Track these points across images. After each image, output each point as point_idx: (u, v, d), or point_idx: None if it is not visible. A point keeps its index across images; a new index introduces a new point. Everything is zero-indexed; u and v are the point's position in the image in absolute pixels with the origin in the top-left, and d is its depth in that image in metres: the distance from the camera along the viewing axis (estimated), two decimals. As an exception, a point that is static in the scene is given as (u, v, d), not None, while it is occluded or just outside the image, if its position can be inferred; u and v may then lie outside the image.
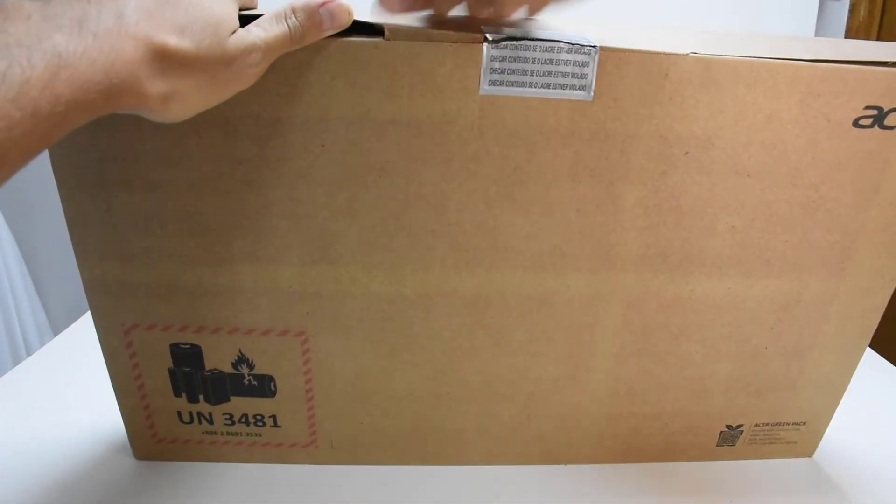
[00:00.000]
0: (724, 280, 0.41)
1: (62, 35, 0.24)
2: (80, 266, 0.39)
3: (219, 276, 0.39)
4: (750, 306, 0.42)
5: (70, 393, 0.54)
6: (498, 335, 0.42)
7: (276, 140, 0.35)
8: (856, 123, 0.36)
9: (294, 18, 0.31)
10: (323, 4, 0.31)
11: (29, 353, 0.70)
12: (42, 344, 0.66)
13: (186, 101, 0.29)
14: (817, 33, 1.26)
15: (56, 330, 1.42)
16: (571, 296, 0.40)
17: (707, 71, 0.34)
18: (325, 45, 0.33)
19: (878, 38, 1.31)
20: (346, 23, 0.32)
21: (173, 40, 0.27)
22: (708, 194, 0.38)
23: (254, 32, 0.30)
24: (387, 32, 0.33)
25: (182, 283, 0.39)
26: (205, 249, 0.38)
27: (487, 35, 0.33)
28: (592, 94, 0.34)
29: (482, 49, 0.33)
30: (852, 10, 1.28)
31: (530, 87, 0.34)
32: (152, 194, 0.36)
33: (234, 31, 0.29)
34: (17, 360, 1.24)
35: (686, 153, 0.36)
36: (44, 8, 0.25)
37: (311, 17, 0.31)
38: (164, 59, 0.27)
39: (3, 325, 1.23)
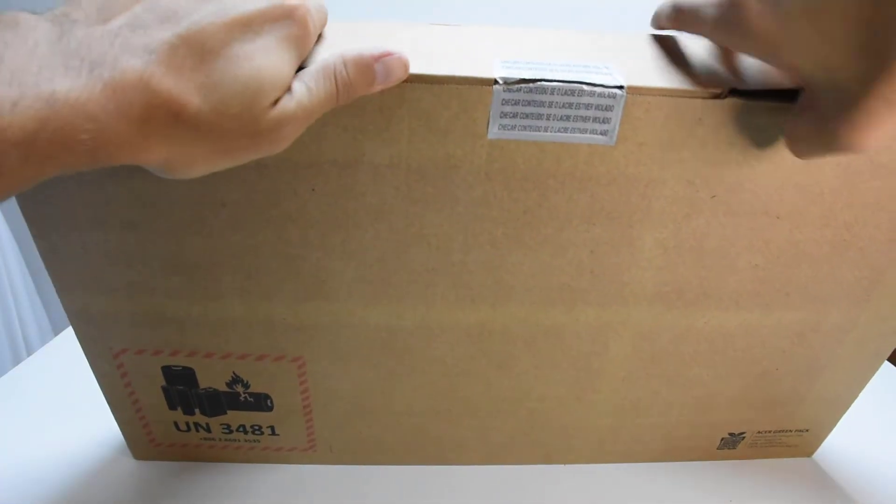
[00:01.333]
0: (740, 313, 0.39)
1: (67, 78, 0.20)
2: (60, 296, 0.36)
3: (208, 310, 0.37)
4: (764, 333, 0.40)
5: (70, 392, 0.53)
6: (501, 361, 0.40)
7: (263, 184, 0.32)
8: None
9: (345, 73, 0.26)
10: (380, 58, 0.27)
11: (29, 353, 0.69)
12: (42, 343, 0.64)
13: (192, 166, 0.25)
14: None
15: (56, 329, 1.40)
16: (580, 328, 0.39)
17: (746, 115, 0.30)
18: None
19: None
20: (401, 78, 0.28)
21: (195, 103, 0.22)
22: (732, 235, 0.35)
23: (297, 97, 0.25)
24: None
25: (169, 314, 0.37)
26: (191, 285, 0.36)
27: (498, 77, 0.29)
28: (615, 139, 0.30)
29: (492, 91, 0.29)
30: None
31: (545, 131, 0.30)
32: (130, 234, 0.33)
33: (277, 99, 0.25)
34: (17, 360, 1.24)
35: (713, 196, 0.33)
36: (58, 39, 0.20)
37: (365, 73, 0.26)
38: (179, 123, 0.22)
39: (4, 324, 1.22)
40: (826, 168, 0.32)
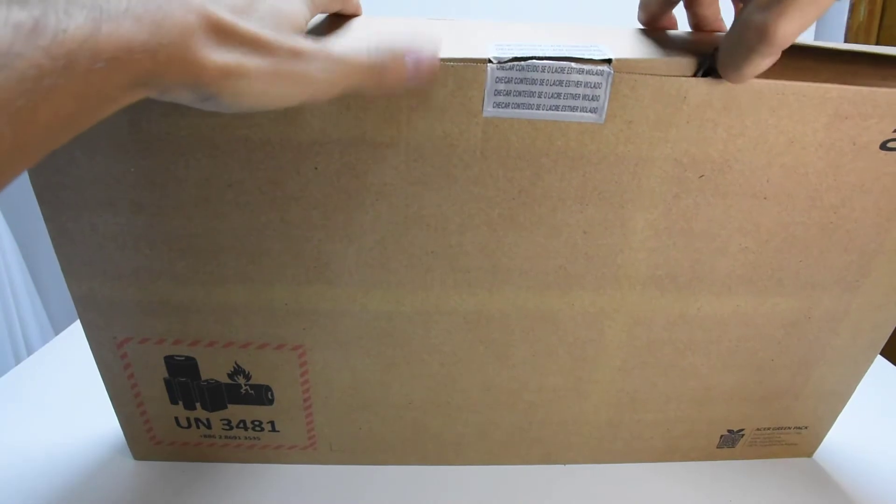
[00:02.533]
0: (733, 298, 0.39)
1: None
2: (67, 282, 0.37)
3: (211, 295, 0.38)
4: (758, 322, 0.41)
5: (71, 392, 0.54)
6: (499, 350, 0.41)
7: (267, 163, 0.33)
8: (883, 146, 0.34)
9: (378, 55, 0.27)
10: (412, 52, 0.28)
11: (30, 353, 0.70)
12: (43, 343, 0.65)
13: (252, 83, 0.25)
14: (817, 33, 1.24)
15: (57, 329, 1.42)
16: (575, 313, 0.39)
17: (729, 94, 0.32)
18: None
19: (879, 38, 1.28)
20: (429, 81, 0.29)
21: (229, 16, 0.23)
22: (722, 216, 0.36)
23: (327, 41, 0.27)
24: None
25: (174, 301, 0.38)
26: (196, 269, 0.37)
27: (491, 56, 0.30)
28: (604, 116, 0.32)
29: (486, 69, 0.30)
30: (852, 10, 1.27)
31: (537, 108, 0.31)
32: (138, 216, 0.34)
33: (300, 31, 0.26)
34: (18, 360, 1.24)
35: (701, 176, 0.34)
36: None
37: (395, 59, 0.28)
38: (221, 32, 0.23)
39: (5, 324, 1.22)
40: (810, 148, 0.34)
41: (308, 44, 0.26)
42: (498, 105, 0.31)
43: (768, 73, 0.31)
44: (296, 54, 0.25)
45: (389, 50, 0.28)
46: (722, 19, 0.37)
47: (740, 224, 0.36)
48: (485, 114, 0.32)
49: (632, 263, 0.37)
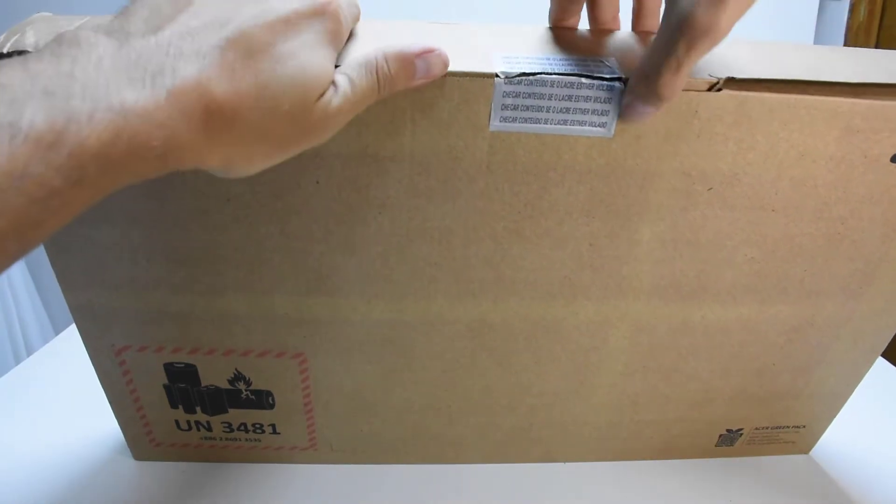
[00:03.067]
0: (737, 307, 0.39)
1: (133, 89, 0.20)
2: (63, 292, 0.37)
3: (211, 304, 0.37)
4: (761, 329, 0.41)
5: (71, 392, 0.53)
6: (501, 357, 0.41)
7: (267, 176, 0.32)
8: (894, 159, 0.33)
9: (386, 68, 0.27)
10: (420, 55, 0.27)
11: (30, 353, 0.69)
12: (43, 343, 0.65)
13: (251, 163, 0.25)
14: (817, 33, 1.23)
15: (57, 329, 1.40)
16: (579, 322, 0.39)
17: (741, 108, 0.31)
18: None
19: (878, 39, 1.27)
20: (440, 74, 0.29)
21: (248, 103, 0.23)
22: (729, 228, 0.35)
23: (341, 90, 0.26)
24: None
25: (172, 310, 0.37)
26: (195, 280, 0.36)
27: (499, 71, 0.29)
28: (613, 131, 0.31)
29: (493, 84, 0.30)
30: (852, 10, 1.25)
31: (546, 123, 0.31)
32: (134, 227, 0.34)
33: (322, 93, 0.25)
34: (18, 360, 1.24)
35: (710, 189, 0.34)
36: (118, 52, 0.21)
37: (406, 68, 0.27)
38: (236, 122, 0.23)
39: (5, 324, 1.22)
40: (820, 162, 0.33)
41: (321, 111, 0.25)
42: (505, 119, 0.31)
43: (780, 88, 0.31)
44: (305, 129, 0.25)
45: (398, 58, 0.27)
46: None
47: (747, 235, 0.36)
48: (491, 128, 0.31)
49: (637, 274, 0.37)
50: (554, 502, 0.46)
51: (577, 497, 0.46)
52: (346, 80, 0.26)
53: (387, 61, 0.27)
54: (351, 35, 0.30)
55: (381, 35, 0.31)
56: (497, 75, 0.29)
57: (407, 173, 0.32)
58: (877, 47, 1.19)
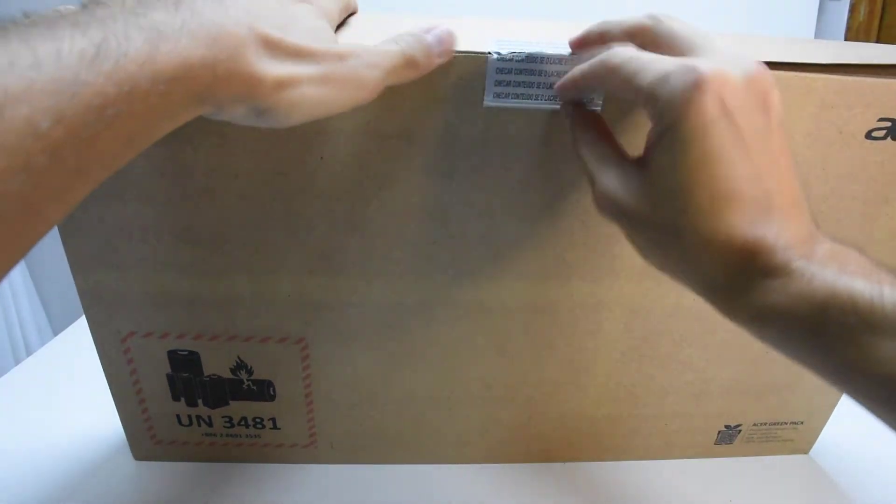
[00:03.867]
0: None
1: (159, 12, 0.21)
2: (74, 275, 0.38)
3: (216, 286, 0.38)
4: None
5: (70, 393, 0.54)
6: (499, 342, 0.41)
7: (273, 153, 0.34)
8: (868, 135, 0.35)
9: (404, 40, 0.29)
10: (429, 31, 0.29)
11: (29, 354, 0.70)
12: (42, 344, 0.65)
13: (305, 92, 0.25)
14: (817, 33, 1.26)
15: (56, 330, 1.41)
16: (574, 304, 0.40)
17: None
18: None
19: (878, 38, 1.30)
20: (453, 46, 0.31)
21: (276, 33, 0.24)
22: None
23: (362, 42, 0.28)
24: None
25: (178, 293, 0.38)
26: (201, 260, 0.37)
27: (492, 51, 0.31)
28: (601, 106, 0.33)
29: (487, 61, 0.32)
30: (852, 10, 1.28)
31: (536, 99, 0.33)
32: (146, 206, 0.35)
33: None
34: (17, 360, 1.24)
35: None
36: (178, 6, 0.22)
37: (420, 40, 0.29)
38: (270, 45, 0.24)
39: (4, 325, 1.23)
40: (798, 138, 0.35)
41: (348, 46, 0.27)
42: (498, 96, 0.32)
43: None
44: (341, 57, 0.26)
45: (410, 34, 0.29)
46: None
47: None
48: (485, 104, 0.33)
49: (628, 254, 0.38)
50: (554, 502, 0.45)
51: (577, 497, 0.46)
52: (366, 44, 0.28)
53: (401, 36, 0.29)
54: (343, 24, 0.33)
55: (375, 25, 0.33)
56: (490, 54, 0.31)
57: (405, 148, 0.34)
58: None
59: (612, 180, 0.28)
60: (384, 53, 0.28)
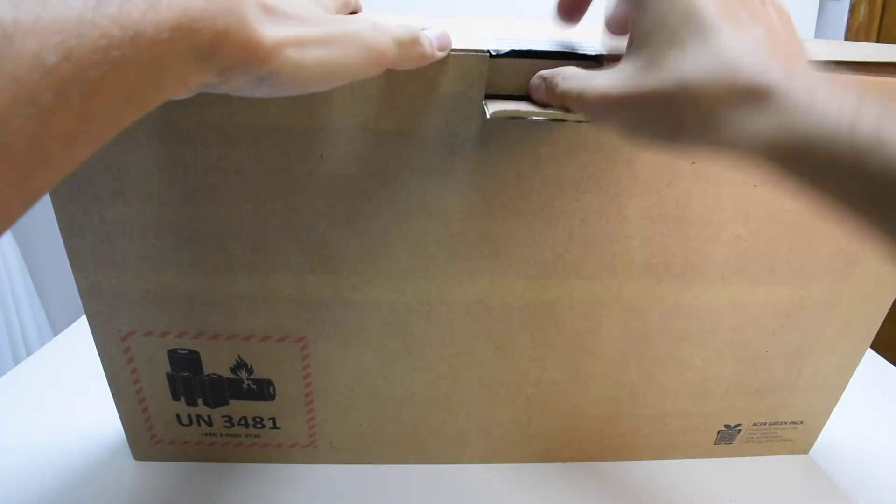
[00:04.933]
0: (727, 287, 0.40)
1: None
2: (74, 273, 0.38)
3: (216, 284, 0.38)
4: (752, 312, 0.42)
5: (70, 393, 0.54)
6: (499, 341, 0.41)
7: (274, 150, 0.34)
8: None
9: (401, 29, 0.29)
10: (426, 29, 0.30)
11: (29, 353, 0.70)
12: (42, 344, 0.65)
13: (308, 54, 0.25)
14: (817, 33, 1.26)
15: (56, 330, 1.42)
16: (573, 303, 0.40)
17: None
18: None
19: (878, 38, 1.31)
20: (450, 45, 0.31)
21: (272, 1, 0.24)
22: (714, 203, 0.37)
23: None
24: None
25: (179, 291, 0.38)
26: (201, 258, 0.37)
27: (491, 49, 0.32)
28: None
29: (486, 60, 0.32)
30: (852, 10, 1.29)
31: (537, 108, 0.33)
32: (146, 204, 0.35)
33: None
34: (17, 360, 1.24)
35: (693, 163, 0.36)
36: None
37: (413, 34, 0.29)
38: (269, 10, 0.24)
39: (4, 324, 1.23)
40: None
41: (350, 16, 0.27)
42: (497, 95, 0.33)
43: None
44: (342, 21, 0.26)
45: (409, 28, 0.29)
46: None
47: (732, 212, 0.37)
48: (484, 104, 0.33)
49: (627, 252, 0.38)
50: (554, 502, 0.45)
51: (577, 497, 0.46)
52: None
53: (395, 28, 0.29)
54: None
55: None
56: (489, 53, 0.32)
57: (405, 146, 0.34)
58: None
59: (601, 79, 0.28)
60: (386, 32, 0.28)
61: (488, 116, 0.31)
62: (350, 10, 0.35)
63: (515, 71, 0.32)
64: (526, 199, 0.36)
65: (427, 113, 0.33)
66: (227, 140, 0.33)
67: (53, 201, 0.35)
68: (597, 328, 0.41)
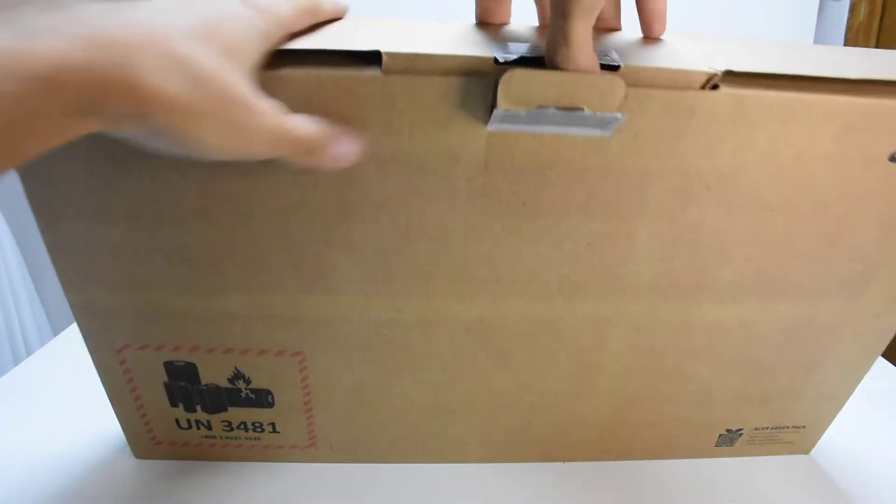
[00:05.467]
0: (736, 306, 0.39)
1: (36, 16, 0.20)
2: (64, 290, 0.37)
3: (210, 303, 0.37)
4: (760, 328, 0.41)
5: (70, 393, 0.54)
6: (500, 356, 0.41)
7: (266, 176, 0.32)
8: (892, 158, 0.33)
9: (316, 131, 0.28)
10: (340, 138, 0.29)
11: (29, 353, 0.69)
12: (42, 344, 0.65)
13: (201, 123, 0.23)
14: (817, 33, 1.25)
15: (56, 330, 1.41)
16: (578, 322, 0.39)
17: (738, 107, 0.31)
18: (317, 79, 0.29)
19: (878, 39, 1.29)
20: (348, 162, 0.30)
21: (186, 43, 0.22)
22: (727, 227, 0.35)
23: (274, 104, 0.27)
24: (385, 62, 0.29)
25: (172, 309, 0.37)
26: (194, 279, 0.36)
27: (497, 55, 0.29)
28: (612, 130, 0.31)
29: (492, 85, 0.30)
30: (852, 10, 1.28)
31: (542, 123, 0.31)
32: (136, 226, 0.34)
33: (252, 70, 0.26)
34: (17, 360, 1.24)
35: (707, 188, 0.34)
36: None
37: (326, 142, 0.29)
38: (172, 58, 0.22)
39: (4, 324, 1.22)
40: (818, 160, 0.33)
41: (261, 101, 0.25)
42: (503, 120, 0.31)
43: (779, 85, 0.31)
44: (246, 105, 0.25)
45: (325, 133, 0.28)
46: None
47: (746, 235, 0.36)
48: (489, 128, 0.31)
49: (635, 272, 0.37)
50: (554, 502, 0.46)
51: (578, 497, 0.46)
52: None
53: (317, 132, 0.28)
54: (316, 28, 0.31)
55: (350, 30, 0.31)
56: (495, 60, 0.29)
57: (405, 171, 0.32)
58: (877, 47, 1.21)
59: None
60: (289, 134, 0.27)
61: (490, 130, 0.29)
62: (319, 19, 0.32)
63: (524, 80, 0.30)
64: (531, 222, 0.34)
65: (427, 137, 0.31)
66: (216, 165, 0.32)
67: (38, 220, 0.34)
68: (601, 345, 0.40)
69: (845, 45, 1.28)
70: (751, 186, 0.34)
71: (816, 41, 1.24)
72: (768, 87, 0.30)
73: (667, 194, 0.34)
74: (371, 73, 0.29)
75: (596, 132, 0.31)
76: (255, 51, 0.27)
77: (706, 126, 0.31)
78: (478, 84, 0.30)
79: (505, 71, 0.28)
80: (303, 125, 0.28)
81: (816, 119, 0.32)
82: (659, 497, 0.47)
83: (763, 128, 0.32)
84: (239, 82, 0.24)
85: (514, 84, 0.28)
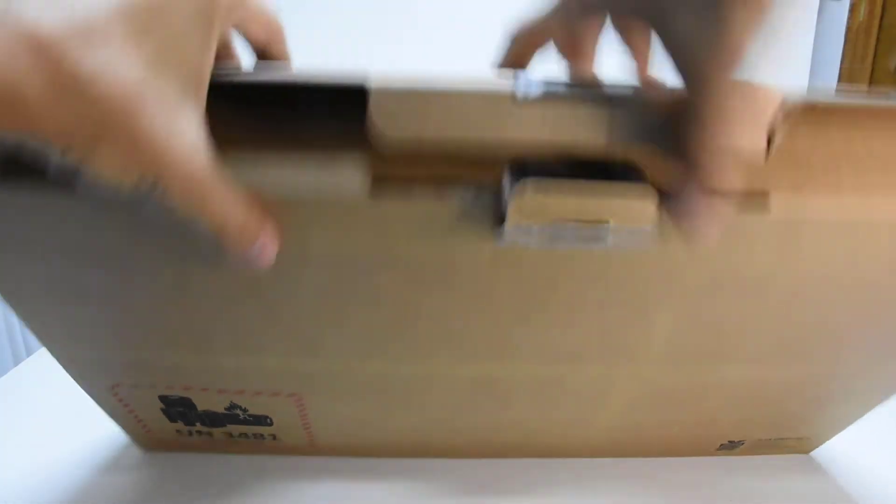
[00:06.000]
0: (755, 368, 0.37)
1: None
2: (46, 347, 0.35)
3: (198, 360, 0.36)
4: (778, 384, 0.39)
5: (70, 393, 0.52)
6: (502, 403, 0.39)
7: (248, 272, 0.29)
8: None
9: (249, 218, 0.24)
10: (262, 240, 0.24)
11: (29, 353, 0.68)
12: (42, 344, 0.63)
13: (101, 142, 0.19)
14: (817, 33, 1.21)
15: None
16: (584, 381, 0.37)
17: (787, 230, 0.26)
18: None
19: (878, 39, 1.28)
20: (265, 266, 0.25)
21: (75, 51, 0.18)
22: (756, 314, 0.32)
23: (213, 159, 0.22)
24: (370, 186, 0.25)
25: (160, 363, 0.36)
26: (180, 343, 0.34)
27: (519, 91, 0.24)
28: (642, 244, 0.27)
29: (500, 198, 0.25)
30: (852, 10, 1.27)
31: (557, 241, 0.27)
32: (109, 307, 0.31)
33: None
34: (17, 360, 1.21)
35: (742, 286, 0.30)
36: None
37: (251, 236, 0.24)
38: (60, 64, 0.18)
39: (4, 324, 1.18)
40: (873, 266, 0.29)
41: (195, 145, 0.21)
42: (512, 234, 0.26)
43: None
44: (166, 148, 0.20)
45: (255, 227, 0.24)
46: None
47: (776, 322, 0.33)
48: (497, 244, 0.27)
49: (649, 347, 0.34)
50: (554, 500, 0.46)
51: (578, 496, 0.47)
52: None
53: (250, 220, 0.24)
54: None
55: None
56: (514, 95, 0.24)
57: (402, 275, 0.29)
58: (877, 47, 1.23)
59: None
60: (217, 204, 0.22)
61: (501, 243, 0.26)
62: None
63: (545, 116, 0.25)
64: (541, 314, 0.31)
65: (425, 247, 0.27)
66: (185, 258, 0.28)
67: (8, 301, 0.31)
68: (608, 392, 0.39)
69: (845, 45, 1.27)
70: (789, 287, 0.30)
71: (816, 41, 1.22)
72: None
73: (694, 290, 0.30)
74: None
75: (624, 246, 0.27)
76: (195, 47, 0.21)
77: (746, 242, 0.27)
78: (484, 198, 0.25)
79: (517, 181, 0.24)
80: (233, 199, 0.23)
81: (880, 234, 0.27)
82: (658, 496, 0.47)
83: (812, 248, 0.27)
84: (152, 94, 0.20)
85: (527, 199, 0.24)
